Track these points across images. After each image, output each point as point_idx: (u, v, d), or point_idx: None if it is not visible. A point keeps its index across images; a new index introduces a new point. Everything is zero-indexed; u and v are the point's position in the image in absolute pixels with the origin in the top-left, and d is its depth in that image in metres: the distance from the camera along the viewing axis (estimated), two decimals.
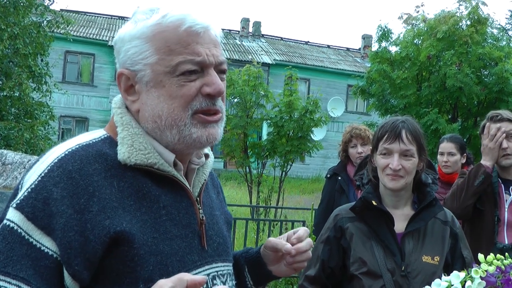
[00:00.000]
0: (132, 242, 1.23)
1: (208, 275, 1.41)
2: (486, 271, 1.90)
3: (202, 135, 1.36)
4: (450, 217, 2.47)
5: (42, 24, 13.44)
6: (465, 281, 1.89)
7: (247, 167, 11.88)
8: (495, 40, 12.62)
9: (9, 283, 1.14)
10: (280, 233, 8.03)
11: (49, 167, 1.24)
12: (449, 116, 12.60)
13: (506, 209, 3.40)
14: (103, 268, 1.21)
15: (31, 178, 1.24)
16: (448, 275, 2.01)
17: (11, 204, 1.21)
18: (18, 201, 1.20)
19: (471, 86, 11.15)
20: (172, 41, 1.33)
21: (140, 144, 1.34)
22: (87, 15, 32.47)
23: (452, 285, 1.89)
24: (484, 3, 12.12)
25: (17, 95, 12.58)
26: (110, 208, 1.23)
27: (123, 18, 33.22)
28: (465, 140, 9.25)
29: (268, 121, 11.91)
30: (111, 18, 33.03)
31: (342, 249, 2.40)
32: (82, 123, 27.88)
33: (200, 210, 1.43)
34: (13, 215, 1.19)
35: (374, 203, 2.35)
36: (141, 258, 1.24)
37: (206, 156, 1.56)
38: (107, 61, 28.07)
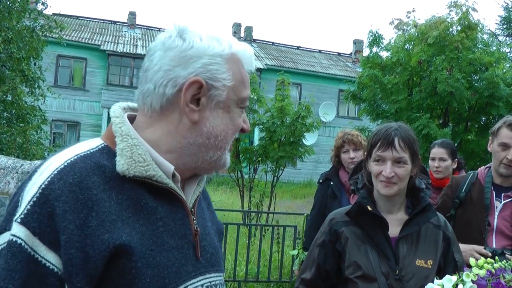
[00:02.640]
0: (131, 255, 1.23)
1: (202, 285, 1.42)
2: (477, 274, 1.92)
3: (227, 162, 1.48)
4: (442, 221, 2.51)
5: (36, 29, 13.42)
6: (457, 285, 1.91)
7: (238, 172, 11.86)
8: (486, 45, 12.70)
9: None
10: (272, 238, 8.04)
11: (49, 179, 1.21)
12: (440, 121, 12.65)
13: (496, 216, 3.41)
14: (102, 281, 1.20)
15: (31, 190, 1.21)
16: (441, 278, 2.03)
17: (15, 219, 1.18)
18: (22, 216, 1.18)
19: (462, 91, 11.21)
20: (242, 72, 1.43)
21: (139, 156, 1.32)
22: (79, 19, 32.42)
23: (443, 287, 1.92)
24: (474, 9, 12.19)
25: (10, 99, 12.53)
26: (109, 222, 1.22)
27: (115, 23, 33.19)
28: (456, 145, 9.31)
29: (260, 126, 11.92)
30: (103, 22, 32.97)
31: (337, 253, 2.43)
32: (74, 127, 27.79)
33: (194, 221, 1.44)
34: (18, 231, 1.16)
35: (369, 208, 2.39)
36: (139, 270, 1.24)
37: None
38: (99, 66, 28.03)
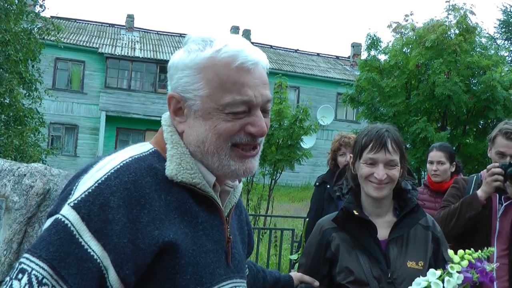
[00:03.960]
0: (176, 252, 1.32)
1: None
2: (461, 266, 1.94)
3: (240, 168, 1.46)
4: (431, 221, 2.49)
5: (33, 31, 13.42)
6: (443, 279, 1.93)
7: None
8: (483, 48, 12.70)
9: (51, 276, 1.19)
10: (270, 241, 8.02)
11: (106, 176, 1.31)
12: (439, 125, 12.64)
13: (498, 219, 3.41)
14: (147, 273, 1.30)
15: (87, 182, 1.30)
16: None
17: (67, 202, 1.27)
18: (76, 201, 1.26)
19: (459, 95, 11.20)
20: (223, 77, 1.39)
21: (187, 164, 1.42)
22: (77, 22, 32.43)
23: (430, 282, 1.94)
24: (472, 12, 12.19)
25: (8, 101, 12.52)
26: (159, 220, 1.32)
27: (113, 26, 33.22)
28: (454, 148, 9.29)
29: None
30: (101, 25, 33.01)
31: (328, 261, 2.41)
32: (72, 130, 27.79)
33: (228, 229, 1.54)
34: (69, 213, 1.24)
35: (355, 212, 2.36)
36: (181, 267, 1.34)
37: (239, 180, 1.65)
38: (97, 68, 28.02)
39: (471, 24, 12.13)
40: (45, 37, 14.21)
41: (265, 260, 8.35)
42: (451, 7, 12.44)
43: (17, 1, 12.90)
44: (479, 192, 3.38)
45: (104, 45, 28.71)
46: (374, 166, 2.34)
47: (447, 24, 12.23)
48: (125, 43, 29.89)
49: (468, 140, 12.34)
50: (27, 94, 13.32)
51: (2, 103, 12.45)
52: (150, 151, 1.47)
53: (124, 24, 33.40)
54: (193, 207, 1.42)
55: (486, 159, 11.75)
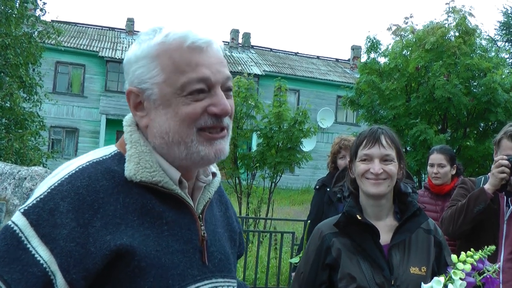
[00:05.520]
0: (133, 255, 1.29)
1: None
2: (463, 270, 1.93)
3: (210, 152, 1.41)
4: (432, 225, 2.46)
5: (34, 35, 13.44)
6: (446, 285, 1.91)
7: (236, 178, 11.85)
8: (483, 51, 12.69)
9: None
10: (270, 245, 8.01)
11: (59, 181, 1.31)
12: (439, 127, 12.63)
13: (505, 222, 3.39)
14: (105, 277, 1.28)
15: (41, 188, 1.31)
16: None
17: (19, 209, 1.29)
18: (26, 207, 1.27)
19: (459, 97, 11.18)
20: (176, 59, 1.37)
21: (146, 162, 1.39)
22: (77, 26, 32.45)
23: None
24: (471, 14, 12.18)
25: (8, 105, 12.53)
26: (112, 224, 1.29)
27: (113, 29, 33.25)
28: (454, 151, 9.28)
29: (258, 132, 11.91)
30: (102, 29, 33.03)
31: (328, 267, 2.35)
32: (72, 133, 27.79)
33: (202, 227, 1.48)
34: (18, 219, 1.26)
35: (358, 217, 2.32)
36: (142, 269, 1.30)
37: (214, 174, 1.61)
38: (98, 72, 28.04)
39: (470, 26, 12.12)
40: (46, 41, 14.25)
41: (265, 264, 8.33)
42: (450, 9, 12.44)
43: (17, 5, 12.94)
44: (486, 186, 3.38)
45: (105, 49, 28.73)
46: (369, 162, 2.32)
47: (446, 26, 12.23)
48: (126, 47, 29.89)
49: (468, 143, 12.33)
50: (27, 98, 13.34)
51: (3, 107, 12.47)
52: (113, 153, 1.45)
53: (124, 27, 33.43)
54: (156, 207, 1.38)
55: (487, 161, 11.75)
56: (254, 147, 13.94)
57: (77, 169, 1.35)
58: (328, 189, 4.75)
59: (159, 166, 1.41)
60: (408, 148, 12.49)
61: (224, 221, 1.68)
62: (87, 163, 1.37)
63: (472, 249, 2.02)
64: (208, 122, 1.39)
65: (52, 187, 1.30)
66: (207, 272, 1.46)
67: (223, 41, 32.43)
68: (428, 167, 5.00)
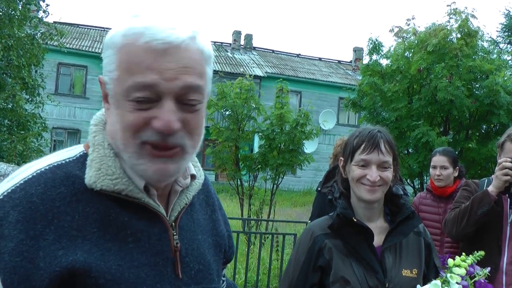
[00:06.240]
0: (88, 271, 1.16)
1: None
2: (459, 275, 1.93)
3: (148, 169, 1.23)
4: (422, 227, 2.42)
5: (36, 36, 13.48)
6: None
7: (238, 180, 11.84)
8: (486, 53, 12.67)
9: None
10: (271, 246, 8.00)
11: (13, 187, 1.19)
12: (441, 129, 12.60)
13: (508, 224, 3.38)
14: None
15: None
16: (424, 285, 2.02)
17: None
18: None
19: (462, 99, 11.16)
20: (131, 56, 1.19)
21: (108, 168, 1.25)
22: (79, 27, 32.52)
23: None
24: (473, 16, 12.17)
25: (10, 106, 12.57)
26: (67, 238, 1.16)
27: None
28: (457, 153, 9.26)
29: (260, 133, 11.90)
30: (104, 30, 33.04)
31: (320, 269, 2.28)
32: (74, 135, 27.84)
33: (175, 236, 1.33)
34: None
35: (354, 219, 2.25)
36: (102, 286, 1.17)
37: (193, 177, 1.45)
38: (100, 73, 27.36)
39: (472, 28, 12.11)
40: (48, 42, 14.27)
41: (267, 265, 8.32)
42: (452, 11, 12.42)
43: (20, 7, 12.97)
44: (490, 188, 3.38)
45: None
46: (366, 167, 2.24)
47: (448, 28, 12.21)
48: None
49: (470, 145, 12.30)
50: (30, 99, 13.37)
51: (5, 108, 12.51)
52: (78, 155, 1.30)
53: None
54: (119, 217, 1.24)
55: (489, 163, 11.72)
56: (256, 149, 13.94)
57: (34, 174, 1.22)
58: None
59: (123, 173, 1.26)
60: (410, 150, 12.48)
61: (208, 226, 1.52)
62: (46, 167, 1.24)
63: (463, 254, 2.02)
64: (152, 138, 1.20)
65: (5, 193, 1.17)
66: (181, 286, 1.32)
67: (225, 43, 32.15)
68: (431, 169, 4.99)
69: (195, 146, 1.29)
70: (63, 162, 1.27)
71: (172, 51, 1.18)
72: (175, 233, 1.34)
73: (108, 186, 1.23)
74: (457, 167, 4.93)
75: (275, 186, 11.94)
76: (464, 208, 3.47)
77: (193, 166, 1.47)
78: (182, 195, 1.41)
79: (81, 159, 1.29)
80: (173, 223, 1.35)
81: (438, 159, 4.90)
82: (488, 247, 3.34)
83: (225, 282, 1.72)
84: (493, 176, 3.55)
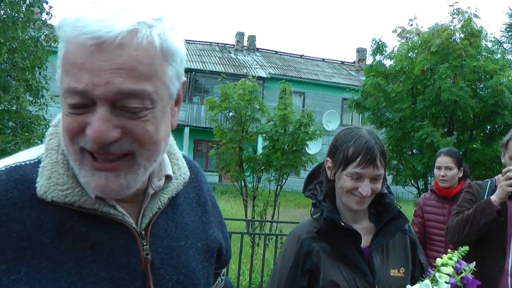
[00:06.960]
0: None
1: None
2: (448, 274, 1.93)
3: (91, 183, 1.06)
4: (407, 225, 2.38)
5: (40, 38, 13.52)
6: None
7: (242, 181, 11.83)
8: (489, 53, 12.65)
9: None
10: (276, 247, 7.99)
11: None
12: (445, 130, 12.59)
13: None
14: None
15: None
16: (411, 283, 2.03)
17: None
18: None
19: (466, 99, 11.15)
20: (66, 54, 1.02)
21: (59, 177, 1.10)
22: None
23: None
24: (476, 16, 12.16)
25: (14, 108, 12.60)
26: (15, 249, 1.02)
27: None
28: (461, 153, 9.24)
29: (263, 135, 11.89)
30: None
31: (308, 272, 2.22)
32: None
33: (145, 246, 1.17)
34: None
35: (342, 223, 2.19)
36: None
37: (168, 177, 1.27)
38: None
39: (476, 28, 12.10)
40: (52, 44, 14.31)
41: (271, 266, 8.31)
42: (455, 11, 12.41)
43: (24, 9, 13.01)
44: (493, 197, 3.34)
45: None
46: (359, 180, 2.16)
47: (452, 28, 12.20)
48: None
49: (475, 145, 12.29)
50: (34, 101, 13.41)
51: (9, 110, 12.54)
52: (39, 157, 1.16)
53: None
54: (77, 227, 1.09)
55: (493, 164, 11.70)
56: (259, 150, 13.92)
57: None
58: None
59: (75, 182, 1.10)
60: (414, 151, 12.46)
61: (197, 229, 1.36)
62: (3, 168, 1.10)
63: (449, 251, 2.02)
64: (88, 145, 1.03)
65: None
66: None
67: (228, 44, 32.11)
68: (435, 170, 4.97)
69: (150, 156, 1.10)
70: (22, 164, 1.13)
71: (104, 48, 0.97)
72: (145, 243, 1.18)
73: (58, 198, 1.08)
74: (462, 168, 4.91)
75: (279, 187, 11.93)
76: (466, 217, 3.45)
77: (173, 164, 1.32)
78: (156, 198, 1.24)
79: (40, 163, 1.14)
80: (143, 232, 1.20)
81: (443, 160, 4.88)
82: (492, 249, 3.32)
83: (223, 282, 1.65)
84: (496, 177, 3.53)
